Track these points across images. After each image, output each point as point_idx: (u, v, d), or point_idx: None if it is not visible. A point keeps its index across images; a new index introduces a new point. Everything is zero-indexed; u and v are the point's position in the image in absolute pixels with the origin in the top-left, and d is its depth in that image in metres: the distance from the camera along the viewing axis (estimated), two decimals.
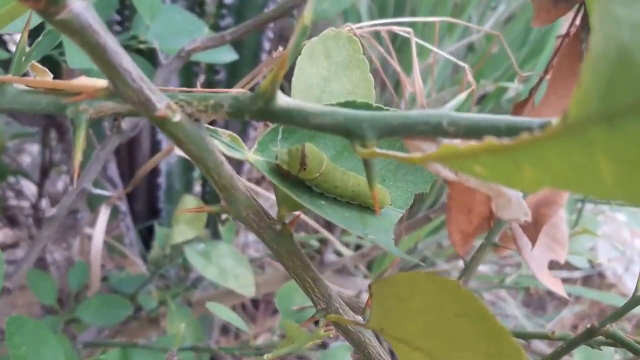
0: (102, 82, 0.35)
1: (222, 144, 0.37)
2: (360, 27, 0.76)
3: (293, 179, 0.39)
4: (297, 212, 0.43)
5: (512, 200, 0.36)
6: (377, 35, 0.97)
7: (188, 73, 1.27)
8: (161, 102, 0.33)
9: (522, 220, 0.37)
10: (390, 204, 0.44)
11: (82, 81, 0.36)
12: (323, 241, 1.41)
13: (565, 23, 0.79)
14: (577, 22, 0.72)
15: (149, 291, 1.07)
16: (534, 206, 0.74)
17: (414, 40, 0.77)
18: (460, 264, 1.49)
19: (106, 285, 1.13)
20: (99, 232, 0.97)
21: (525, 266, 1.55)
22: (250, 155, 0.39)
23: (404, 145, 0.40)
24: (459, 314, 0.34)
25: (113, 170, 1.21)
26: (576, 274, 1.86)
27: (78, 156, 0.35)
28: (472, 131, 0.32)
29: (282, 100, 0.34)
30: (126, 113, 0.36)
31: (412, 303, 0.36)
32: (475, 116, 0.33)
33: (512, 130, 0.32)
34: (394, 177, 0.45)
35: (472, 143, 0.26)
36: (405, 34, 0.77)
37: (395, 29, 0.77)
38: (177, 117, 0.33)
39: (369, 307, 0.42)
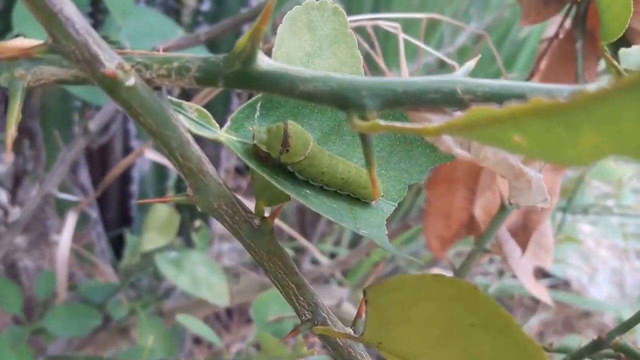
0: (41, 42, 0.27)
1: (187, 119, 0.29)
2: (355, 21, 0.69)
3: (273, 163, 0.32)
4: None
5: (532, 183, 0.29)
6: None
7: None
8: (111, 61, 0.26)
9: (540, 207, 0.31)
10: (382, 196, 0.37)
11: (18, 42, 0.28)
12: (299, 250, 1.33)
13: (551, 26, 0.73)
14: (567, 24, 0.66)
15: (119, 301, 0.98)
16: (522, 211, 0.67)
17: (402, 36, 0.70)
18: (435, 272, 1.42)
19: (75, 294, 1.04)
20: (65, 239, 0.89)
21: (500, 277, 1.49)
22: (222, 133, 0.31)
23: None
24: (476, 325, 0.26)
25: (84, 177, 1.12)
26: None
27: (11, 131, 0.27)
28: (492, 100, 0.25)
29: (263, 62, 0.26)
30: (70, 80, 0.28)
31: (418, 311, 0.28)
32: (494, 82, 0.26)
33: None
34: (387, 166, 0.38)
35: (512, 105, 0.19)
36: (392, 29, 0.70)
37: (382, 23, 0.70)
38: (131, 81, 0.26)
39: (360, 317, 0.34)
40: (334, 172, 0.33)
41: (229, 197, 0.30)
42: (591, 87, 0.27)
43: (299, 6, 0.35)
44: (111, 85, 0.26)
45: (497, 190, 0.70)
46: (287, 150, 0.31)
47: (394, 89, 0.25)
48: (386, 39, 1.48)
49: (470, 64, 0.29)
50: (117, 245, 1.25)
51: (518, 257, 0.67)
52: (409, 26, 1.56)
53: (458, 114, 0.27)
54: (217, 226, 1.36)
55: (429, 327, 0.28)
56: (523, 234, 0.65)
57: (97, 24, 1.08)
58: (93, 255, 1.15)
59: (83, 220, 1.12)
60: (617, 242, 1.91)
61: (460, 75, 0.27)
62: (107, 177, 0.85)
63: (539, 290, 0.71)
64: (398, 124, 0.23)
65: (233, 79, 0.27)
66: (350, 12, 1.61)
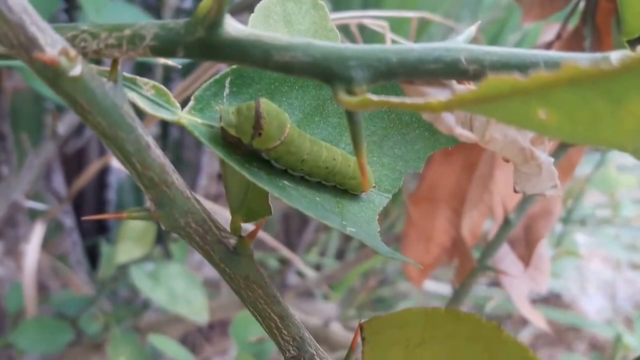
0: None
1: (142, 98, 0.25)
2: (338, 19, 0.64)
3: (244, 150, 0.27)
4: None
5: (543, 167, 0.25)
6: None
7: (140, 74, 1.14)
8: (53, 46, 0.21)
9: (548, 196, 0.26)
10: (374, 187, 0.32)
11: None
12: (284, 260, 1.28)
13: (547, 32, 0.69)
14: (568, 25, 0.62)
15: (93, 314, 0.92)
16: (524, 221, 0.62)
17: (389, 36, 0.65)
18: (428, 286, 1.38)
19: (48, 307, 0.98)
20: (33, 250, 0.83)
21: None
22: (184, 115, 0.26)
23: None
24: None
25: (59, 183, 1.07)
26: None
27: None
28: (501, 71, 0.22)
29: (231, 27, 0.22)
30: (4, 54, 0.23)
31: (427, 354, 0.23)
32: (504, 50, 0.22)
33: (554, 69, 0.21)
34: (379, 152, 0.33)
35: (540, 74, 0.15)
36: (379, 29, 0.65)
37: (368, 22, 0.65)
38: (77, 70, 0.21)
39: (354, 352, 0.29)
40: (316, 160, 0.28)
41: (198, 213, 0.25)
42: (615, 55, 0.23)
43: None
44: (52, 76, 0.21)
45: (484, 209, 0.65)
46: (260, 134, 0.26)
47: (388, 58, 0.21)
48: (373, 40, 1.44)
49: (472, 29, 0.25)
50: (94, 254, 1.20)
51: (514, 276, 0.63)
52: (397, 26, 1.52)
53: (460, 87, 0.23)
54: None
55: None
56: (524, 246, 0.60)
57: (71, 20, 1.04)
58: (68, 264, 1.10)
59: (58, 228, 1.07)
60: (609, 253, 1.88)
61: (462, 42, 0.22)
62: (76, 185, 0.79)
63: (534, 315, 0.67)
64: (394, 99, 0.19)
65: (196, 48, 0.22)
66: (337, 9, 1.57)
